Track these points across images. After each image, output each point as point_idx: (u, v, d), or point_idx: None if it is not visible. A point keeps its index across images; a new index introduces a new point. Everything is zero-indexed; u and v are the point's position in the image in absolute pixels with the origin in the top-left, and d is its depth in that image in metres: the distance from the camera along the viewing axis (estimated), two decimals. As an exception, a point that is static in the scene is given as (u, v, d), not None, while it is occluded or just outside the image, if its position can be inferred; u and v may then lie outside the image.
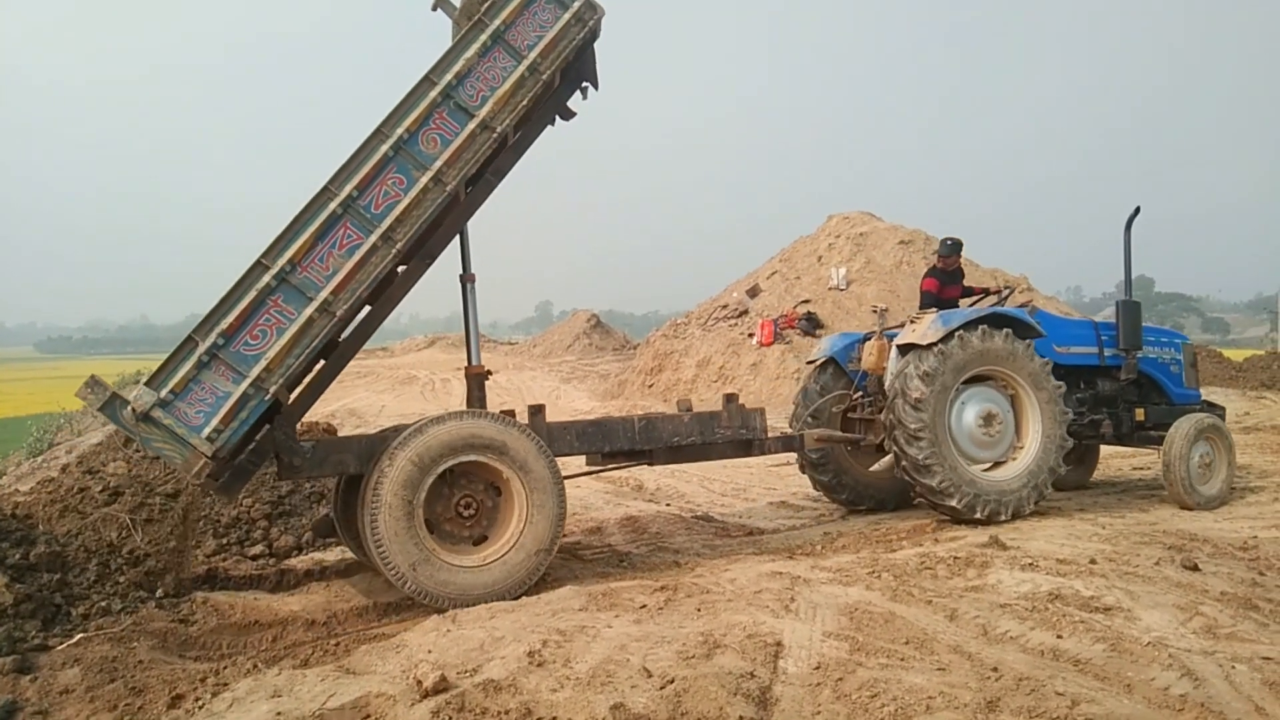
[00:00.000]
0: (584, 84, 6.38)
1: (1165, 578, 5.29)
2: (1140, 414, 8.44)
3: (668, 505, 9.37)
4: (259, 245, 5.24)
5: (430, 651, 4.37)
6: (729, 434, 7.08)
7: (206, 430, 4.98)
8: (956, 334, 7.21)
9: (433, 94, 5.53)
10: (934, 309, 7.88)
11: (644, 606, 5.00)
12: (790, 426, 8.58)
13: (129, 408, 4.89)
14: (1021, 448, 7.53)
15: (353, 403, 23.70)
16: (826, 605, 4.91)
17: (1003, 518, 7.16)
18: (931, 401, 7.10)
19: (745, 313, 24.46)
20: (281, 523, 7.86)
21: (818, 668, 4.04)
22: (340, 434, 9.89)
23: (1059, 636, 4.40)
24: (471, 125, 5.62)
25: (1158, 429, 8.27)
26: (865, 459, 8.51)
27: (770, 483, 10.63)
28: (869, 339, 8.20)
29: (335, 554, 7.30)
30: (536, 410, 6.35)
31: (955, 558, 5.86)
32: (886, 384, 7.65)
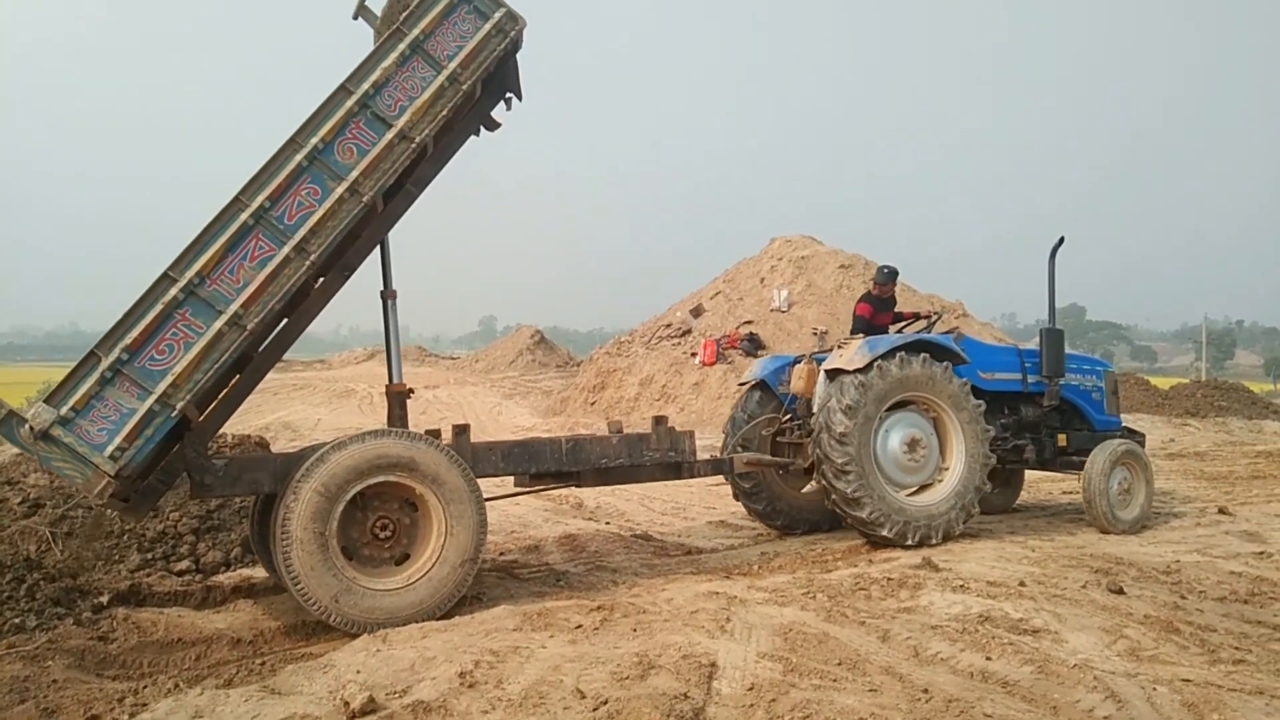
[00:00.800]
0: (508, 94, 6.27)
1: (1092, 601, 5.40)
2: (1063, 440, 8.57)
3: (607, 524, 9.33)
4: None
5: (359, 672, 4.27)
6: (658, 456, 7.03)
7: (109, 449, 4.79)
8: (875, 364, 7.28)
9: (349, 103, 5.41)
10: (862, 334, 7.99)
11: (579, 626, 4.95)
12: (722, 449, 8.60)
13: (26, 425, 4.68)
14: (947, 469, 7.64)
15: (288, 415, 23.27)
16: (762, 626, 4.91)
17: (934, 541, 7.25)
18: (856, 434, 7.15)
19: (689, 332, 24.58)
20: (210, 538, 7.67)
21: (751, 688, 4.03)
22: (274, 448, 9.69)
23: (988, 658, 4.45)
24: (389, 135, 5.51)
25: (1079, 454, 8.40)
26: (796, 481, 8.54)
27: (710, 502, 10.65)
28: (799, 362, 8.27)
29: (264, 570, 7.13)
30: (461, 430, 6.24)
31: (889, 579, 5.92)
32: (814, 408, 7.70)
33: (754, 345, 22.34)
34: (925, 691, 4.00)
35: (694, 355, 22.82)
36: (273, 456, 5.99)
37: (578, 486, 7.07)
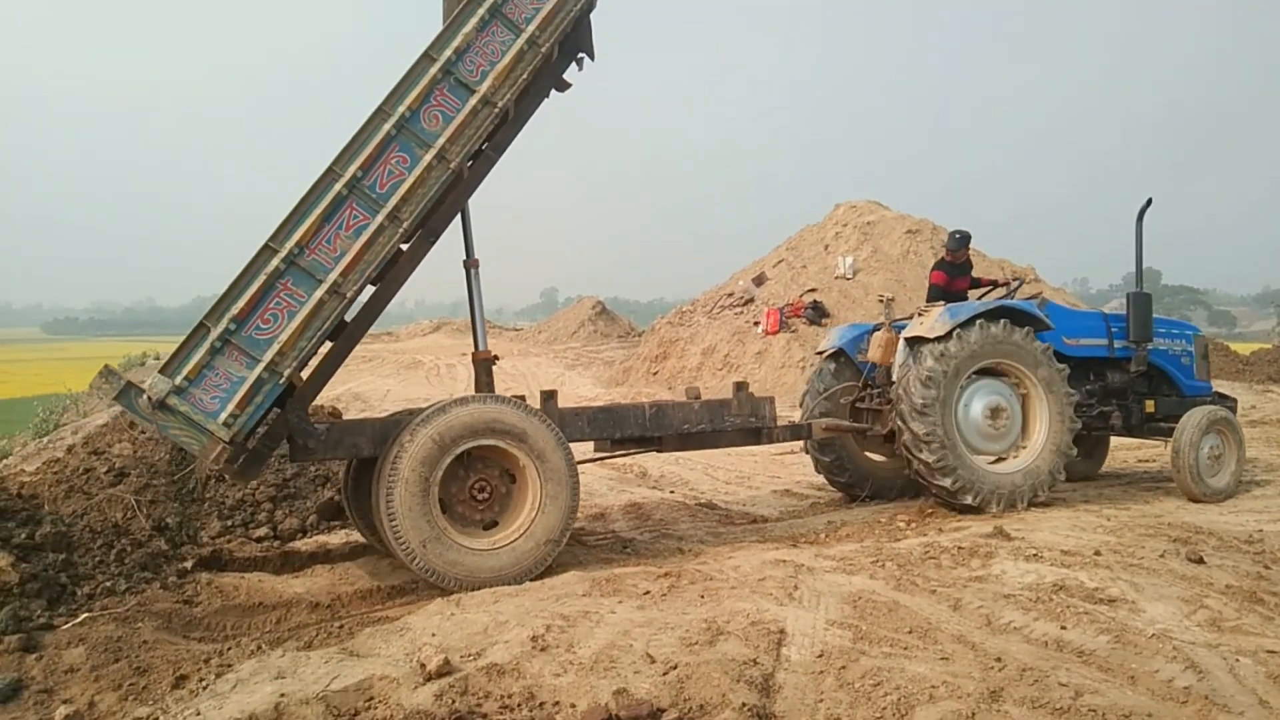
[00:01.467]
0: (580, 55, 6.30)
1: (1170, 570, 5.28)
2: (1150, 406, 8.41)
3: (671, 492, 9.37)
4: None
5: (434, 635, 4.37)
6: (738, 422, 7.09)
7: (223, 415, 4.99)
8: (955, 332, 7.20)
9: (433, 70, 5.49)
10: (941, 301, 7.87)
11: (647, 593, 5.00)
12: (801, 418, 8.57)
13: (144, 396, 4.89)
14: (1031, 435, 7.55)
15: (358, 387, 23.72)
16: (830, 594, 4.90)
17: (1019, 508, 7.21)
18: (936, 404, 7.10)
19: (751, 301, 24.41)
20: (286, 505, 7.88)
21: (821, 655, 4.04)
22: (345, 417, 9.90)
23: (1063, 628, 4.39)
24: (473, 101, 5.59)
25: (1168, 421, 8.23)
26: (869, 446, 8.49)
27: (774, 471, 10.62)
28: (877, 330, 8.19)
29: (340, 537, 7.31)
30: (549, 396, 6.36)
31: (959, 548, 5.85)
32: (894, 376, 7.63)
33: (818, 314, 22.10)
34: (998, 660, 3.97)
35: (757, 324, 22.67)
36: (371, 420, 6.19)
37: (659, 451, 7.16)
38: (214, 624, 5.25)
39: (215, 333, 5.03)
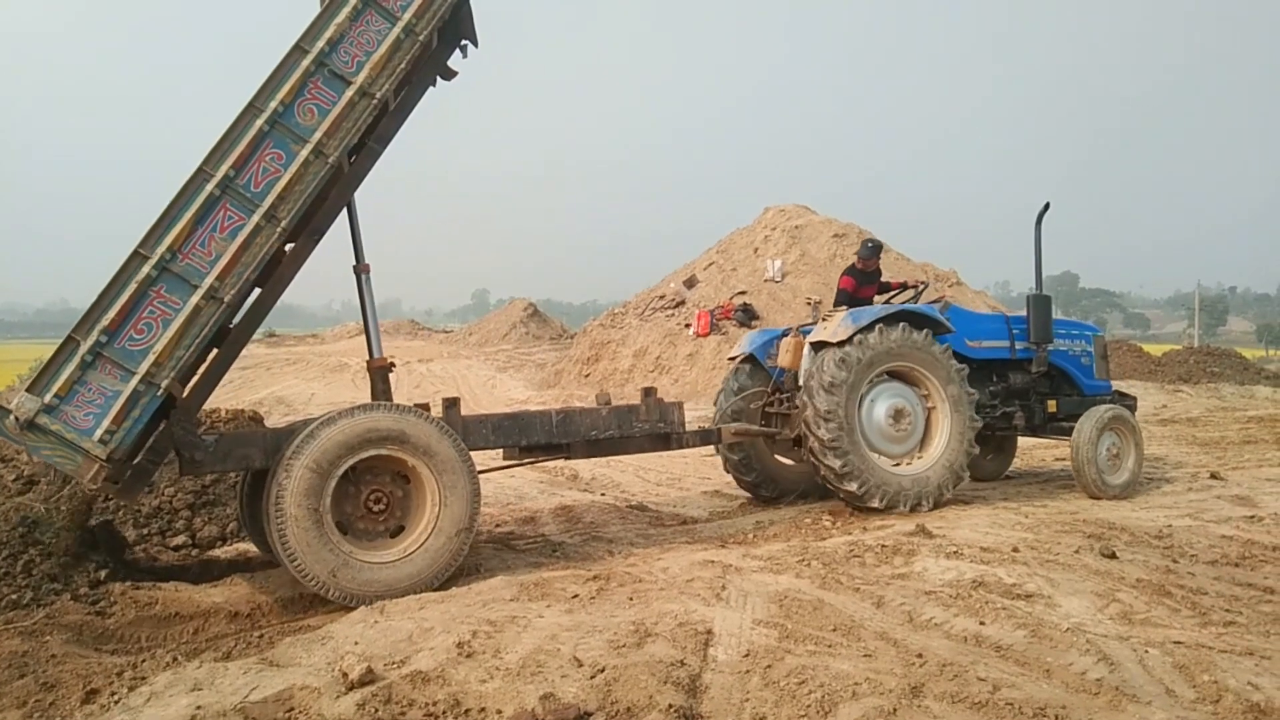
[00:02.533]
0: (463, 42, 6.12)
1: (1084, 565, 5.44)
2: (1052, 405, 8.65)
3: (602, 495, 9.36)
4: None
5: (357, 643, 4.29)
6: (647, 427, 7.05)
7: (98, 433, 4.74)
8: (855, 338, 7.33)
9: (305, 63, 5.28)
10: (845, 306, 8.00)
11: (576, 596, 4.98)
12: (713, 422, 8.63)
13: (10, 416, 4.61)
14: (934, 436, 7.72)
15: (281, 390, 23.26)
16: (757, 593, 4.94)
17: (925, 508, 7.35)
18: (840, 409, 7.22)
19: (682, 303, 24.56)
20: (205, 513, 7.67)
21: (747, 655, 4.06)
22: (268, 422, 9.69)
23: (982, 623, 4.49)
24: (349, 93, 5.40)
25: (1069, 420, 8.44)
26: (786, 453, 8.60)
27: (704, 472, 10.69)
28: (785, 336, 8.29)
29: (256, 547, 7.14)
30: (451, 403, 6.23)
31: (883, 546, 5.96)
32: (800, 379, 7.75)
33: (748, 316, 22.32)
34: (919, 656, 4.04)
35: (688, 326, 22.82)
36: (263, 431, 5.95)
37: (567, 459, 7.07)
38: (128, 636, 5.07)
39: (85, 346, 4.76)
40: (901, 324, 7.57)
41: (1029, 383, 8.65)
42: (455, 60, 6.18)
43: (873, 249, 8.93)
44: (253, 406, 13.01)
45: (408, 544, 5.57)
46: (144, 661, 4.44)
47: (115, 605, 5.40)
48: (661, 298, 25.55)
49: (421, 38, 5.60)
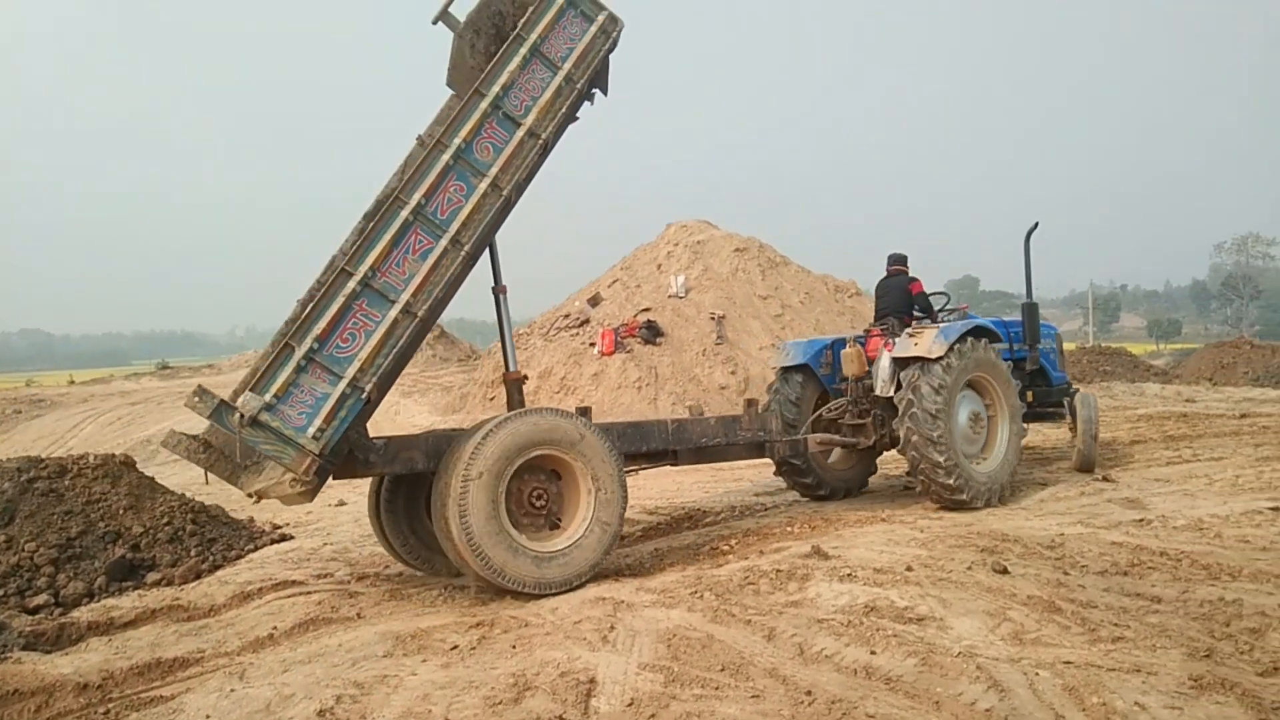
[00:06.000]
0: (593, 90, 6.74)
1: (977, 583, 5.38)
2: (1030, 396, 9.61)
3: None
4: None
5: (208, 717, 3.95)
6: (749, 435, 7.69)
7: (311, 430, 5.30)
8: (954, 347, 7.97)
9: (483, 104, 6.03)
10: (925, 320, 8.95)
11: (455, 647, 4.71)
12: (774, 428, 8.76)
13: (236, 414, 5.12)
14: (997, 437, 8.53)
15: (177, 426, 22.20)
16: (646, 632, 4.75)
17: (996, 502, 8.12)
18: (945, 413, 7.85)
19: (586, 322, 24.32)
20: (70, 568, 7.19)
21: (631, 704, 3.86)
22: (138, 466, 9.21)
23: (873, 652, 4.37)
24: (520, 133, 6.17)
25: (1043, 407, 9.72)
26: (832, 457, 9.47)
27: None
28: (841, 345, 9.00)
29: (130, 600, 6.68)
30: (583, 412, 6.78)
31: (778, 570, 5.83)
32: (877, 389, 8.47)
33: (652, 333, 22.19)
34: (808, 694, 3.89)
35: (592, 345, 22.58)
36: (426, 435, 6.52)
37: (673, 465, 7.51)
38: (-44, 721, 4.61)
39: (300, 352, 5.36)
40: (984, 339, 8.40)
41: (1022, 379, 9.45)
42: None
43: (899, 258, 9.54)
44: (137, 447, 12.35)
45: (570, 533, 6.11)
46: (-31, 752, 4.01)
47: (-56, 686, 4.91)
48: (566, 316, 25.26)
49: (579, 86, 6.45)
